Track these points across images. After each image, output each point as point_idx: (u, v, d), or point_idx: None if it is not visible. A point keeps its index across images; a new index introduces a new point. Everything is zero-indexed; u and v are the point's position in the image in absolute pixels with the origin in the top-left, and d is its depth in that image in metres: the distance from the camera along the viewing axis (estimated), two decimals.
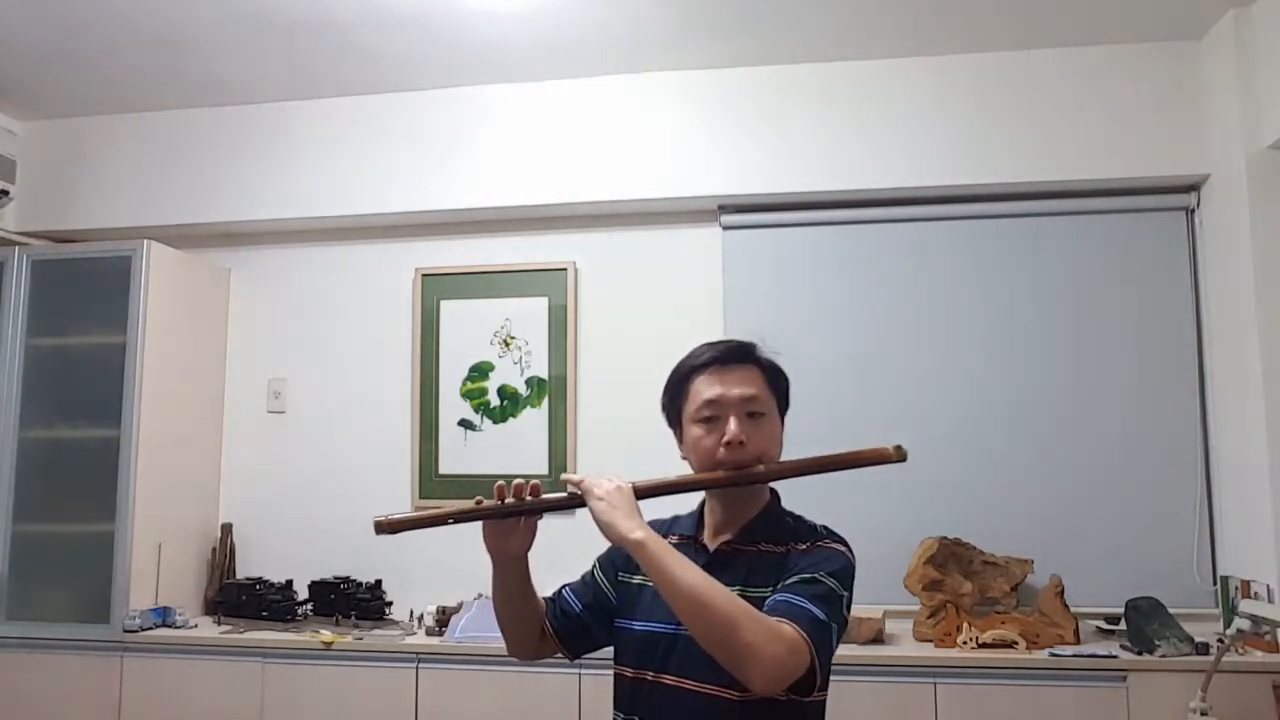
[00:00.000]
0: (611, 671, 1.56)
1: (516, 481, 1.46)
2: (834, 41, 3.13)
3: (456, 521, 1.48)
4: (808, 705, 1.40)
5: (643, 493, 1.43)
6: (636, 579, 1.53)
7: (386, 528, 1.47)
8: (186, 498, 3.50)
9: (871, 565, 3.04)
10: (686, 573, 1.31)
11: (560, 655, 1.62)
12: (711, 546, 1.50)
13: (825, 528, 1.52)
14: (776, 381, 1.56)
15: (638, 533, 1.35)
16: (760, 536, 1.49)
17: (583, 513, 1.42)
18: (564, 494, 1.45)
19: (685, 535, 1.52)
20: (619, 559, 1.57)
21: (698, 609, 1.28)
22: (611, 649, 1.57)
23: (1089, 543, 3.07)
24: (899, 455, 1.45)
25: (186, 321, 3.53)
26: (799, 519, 1.54)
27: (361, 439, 3.56)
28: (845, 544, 1.49)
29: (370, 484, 3.52)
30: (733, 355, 1.53)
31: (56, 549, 3.34)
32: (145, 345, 3.29)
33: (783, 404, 1.57)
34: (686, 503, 1.58)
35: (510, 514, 1.46)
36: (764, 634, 1.27)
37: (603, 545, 1.57)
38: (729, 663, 1.28)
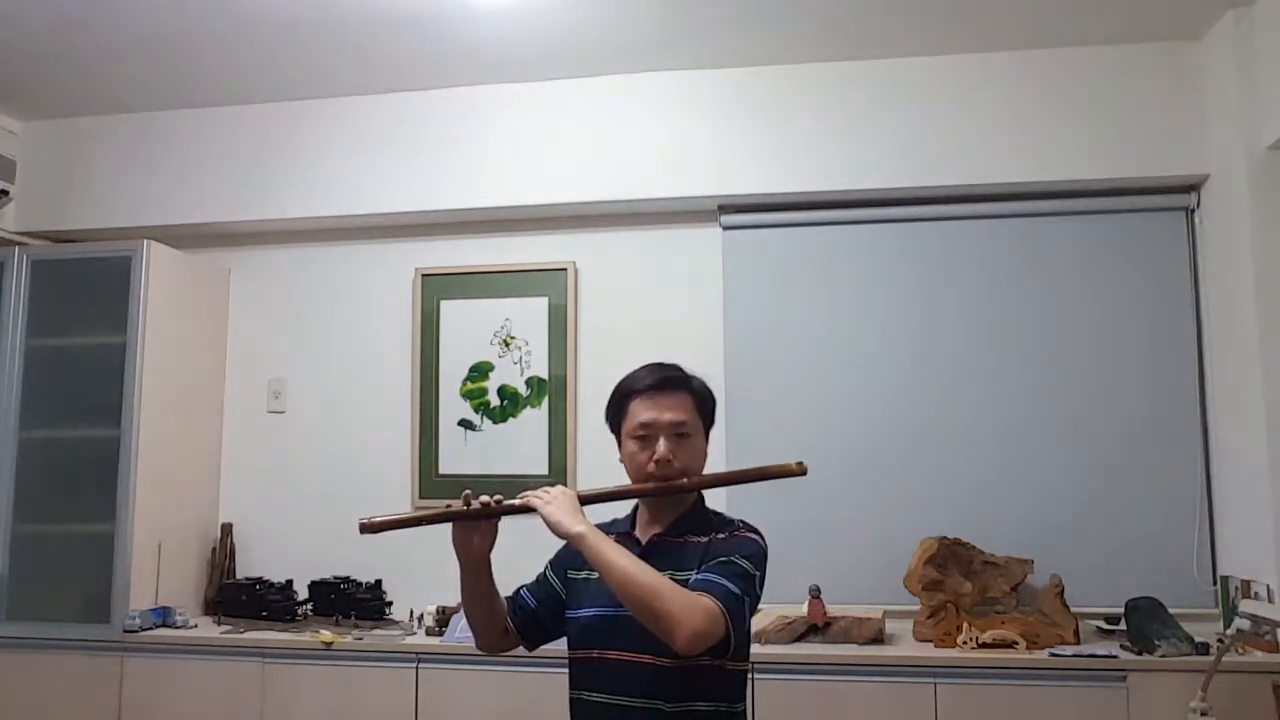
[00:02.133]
0: None
1: (482, 497, 1.70)
2: (834, 41, 3.13)
3: (430, 523, 1.71)
4: (730, 672, 1.66)
5: (587, 499, 1.70)
6: (582, 574, 1.75)
7: (370, 528, 1.70)
8: (186, 498, 3.50)
9: (871, 565, 3.11)
10: (620, 557, 1.56)
11: (522, 647, 1.85)
12: (644, 540, 1.74)
13: (742, 521, 1.75)
14: (704, 404, 1.80)
15: (579, 527, 1.60)
16: (686, 530, 1.73)
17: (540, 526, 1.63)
18: (519, 501, 1.69)
19: (622, 532, 1.75)
20: (567, 558, 1.79)
21: (629, 584, 1.52)
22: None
23: (1089, 543, 3.07)
24: (800, 470, 1.71)
25: (186, 321, 3.53)
26: (720, 515, 1.78)
27: (361, 439, 3.56)
28: (758, 533, 1.73)
29: (370, 484, 3.52)
30: (667, 383, 1.77)
31: (56, 549, 3.34)
32: (145, 345, 3.29)
33: (708, 423, 1.81)
34: (624, 506, 1.84)
35: (474, 517, 1.69)
36: (684, 603, 1.51)
37: (553, 550, 1.85)
38: (656, 629, 1.51)
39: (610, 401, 1.82)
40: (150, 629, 3.17)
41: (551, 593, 1.82)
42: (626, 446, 1.77)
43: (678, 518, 1.75)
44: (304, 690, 3.00)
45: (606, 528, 1.73)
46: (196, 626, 3.25)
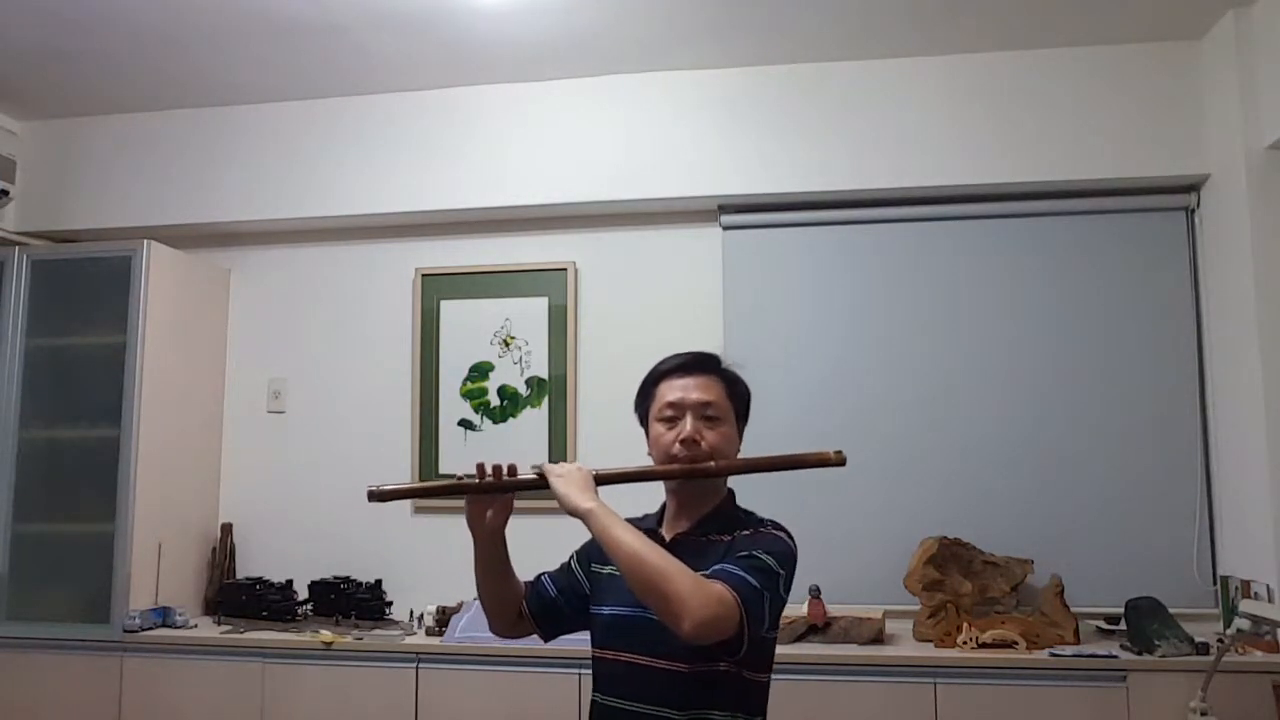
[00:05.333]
0: None
1: (495, 464, 1.61)
2: (834, 41, 3.13)
3: (441, 494, 1.67)
4: (748, 682, 1.56)
5: (604, 479, 1.59)
6: (606, 569, 1.66)
7: (378, 496, 1.64)
8: (186, 498, 3.50)
9: (871, 565, 3.11)
10: (629, 535, 1.47)
11: (537, 636, 1.77)
12: (668, 537, 1.64)
13: (772, 520, 1.64)
14: (735, 392, 1.70)
15: (589, 503, 1.51)
16: (711, 528, 1.62)
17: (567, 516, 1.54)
18: (532, 473, 1.60)
19: (648, 529, 1.61)
20: (593, 550, 1.70)
21: (635, 564, 1.43)
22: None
23: (1089, 543, 3.07)
24: (838, 459, 1.60)
25: (186, 321, 3.53)
26: (750, 514, 1.66)
27: (361, 439, 3.56)
28: (788, 533, 1.61)
29: (370, 484, 3.51)
30: (696, 365, 1.68)
31: (56, 549, 3.34)
32: (145, 345, 3.29)
33: (741, 413, 1.71)
34: (653, 501, 1.73)
35: (488, 490, 1.61)
36: (693, 586, 1.41)
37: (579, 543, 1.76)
38: (663, 613, 1.41)
39: (639, 391, 1.73)
40: (150, 629, 3.17)
41: (573, 583, 1.74)
42: (653, 431, 1.67)
43: (705, 515, 1.65)
44: (304, 690, 3.00)
45: (634, 523, 1.61)
46: (196, 626, 3.25)
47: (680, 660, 1.51)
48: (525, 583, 1.76)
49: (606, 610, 1.65)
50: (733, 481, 1.71)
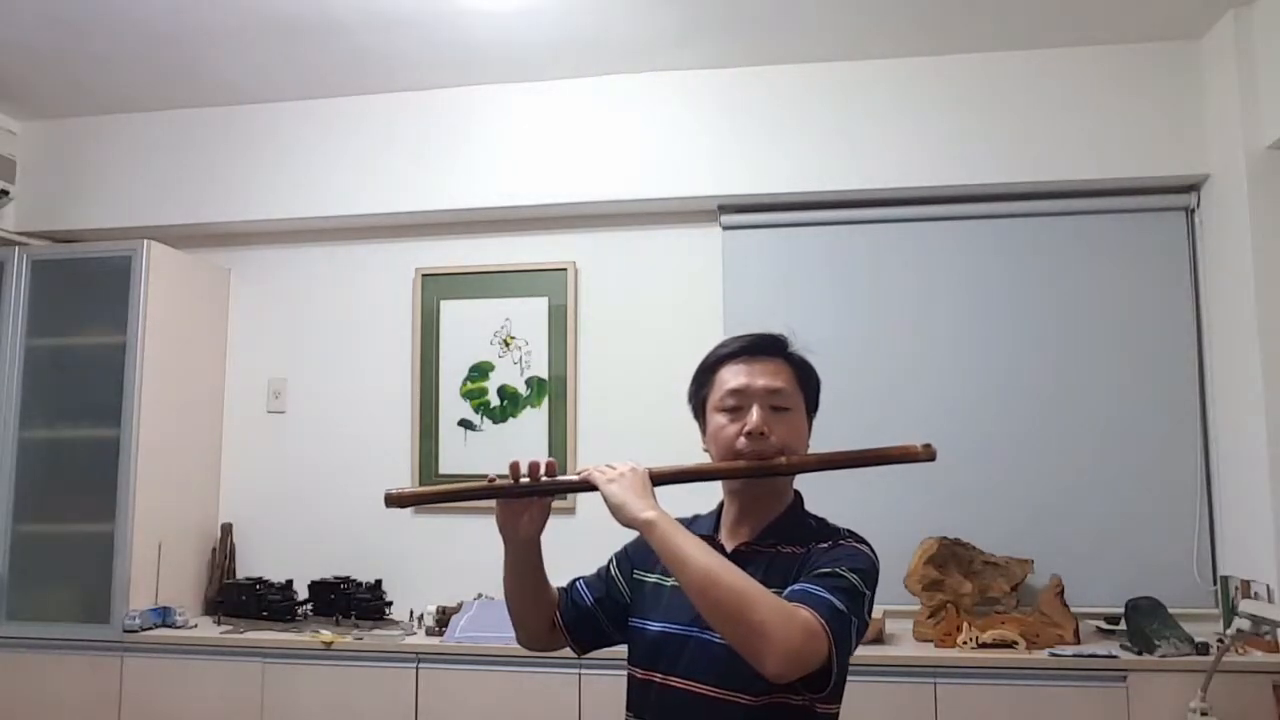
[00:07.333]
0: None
1: (531, 460, 1.42)
2: (833, 41, 3.13)
3: (467, 498, 1.48)
4: (823, 716, 1.37)
5: (660, 479, 1.40)
6: (652, 577, 1.50)
7: (396, 501, 1.46)
8: (186, 498, 3.50)
9: None
10: (696, 551, 1.27)
11: (570, 649, 1.59)
12: (729, 547, 1.45)
13: (849, 530, 1.46)
14: (806, 379, 1.52)
15: (649, 512, 1.32)
16: (780, 538, 1.44)
17: (584, 512, 1.42)
18: (577, 477, 1.43)
19: (703, 535, 1.42)
20: (635, 555, 1.54)
21: (707, 587, 1.24)
22: (618, 650, 1.56)
23: (1089, 543, 3.07)
24: (927, 454, 1.41)
25: (186, 321, 3.53)
26: (822, 521, 1.48)
27: (361, 439, 3.56)
28: (869, 545, 1.43)
29: (370, 484, 3.51)
30: (762, 347, 1.51)
31: (56, 549, 3.34)
32: (145, 345, 3.29)
33: (811, 403, 1.52)
34: (709, 504, 1.56)
35: (523, 494, 1.43)
36: (777, 613, 1.21)
37: (609, 544, 1.61)
38: (740, 644, 1.22)
39: (694, 378, 1.54)
40: (150, 629, 3.17)
41: (612, 592, 1.55)
42: (712, 423, 1.47)
43: (771, 522, 1.46)
44: (304, 690, 3.00)
45: (685, 525, 1.42)
46: (196, 626, 3.25)
47: (742, 691, 1.32)
48: (558, 589, 1.60)
49: (654, 626, 1.45)
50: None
